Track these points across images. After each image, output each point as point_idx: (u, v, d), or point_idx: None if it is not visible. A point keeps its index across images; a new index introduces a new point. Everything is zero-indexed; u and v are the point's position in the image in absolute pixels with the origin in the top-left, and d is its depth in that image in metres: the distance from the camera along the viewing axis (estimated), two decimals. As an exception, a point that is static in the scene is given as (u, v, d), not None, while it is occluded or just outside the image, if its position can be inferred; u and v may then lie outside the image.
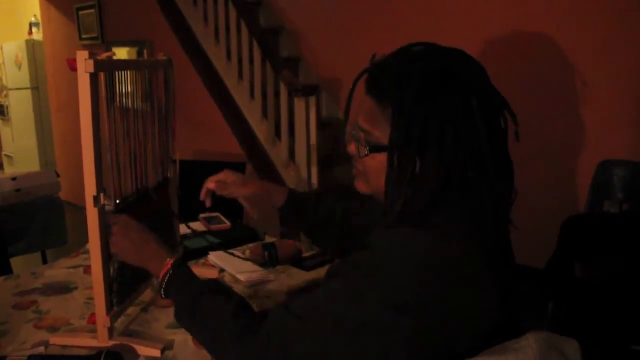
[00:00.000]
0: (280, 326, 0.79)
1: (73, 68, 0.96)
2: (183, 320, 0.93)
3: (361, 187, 0.90)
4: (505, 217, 0.82)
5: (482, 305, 0.75)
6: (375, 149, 0.82)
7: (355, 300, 0.74)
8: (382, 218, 0.82)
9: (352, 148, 0.87)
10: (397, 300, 0.72)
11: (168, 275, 0.96)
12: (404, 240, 0.76)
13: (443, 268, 0.73)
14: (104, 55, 1.01)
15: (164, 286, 0.96)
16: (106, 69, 1.02)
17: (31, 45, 5.46)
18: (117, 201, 1.09)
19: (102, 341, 1.06)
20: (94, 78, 0.97)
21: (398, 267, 0.73)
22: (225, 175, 1.21)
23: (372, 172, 0.84)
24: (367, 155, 0.83)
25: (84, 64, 0.95)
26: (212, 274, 1.45)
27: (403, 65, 0.79)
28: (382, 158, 0.80)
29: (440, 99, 0.75)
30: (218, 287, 0.93)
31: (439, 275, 0.73)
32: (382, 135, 0.80)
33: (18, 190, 2.69)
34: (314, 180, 2.92)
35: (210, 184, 1.21)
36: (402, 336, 0.72)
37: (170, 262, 0.97)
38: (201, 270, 1.46)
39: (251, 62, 3.16)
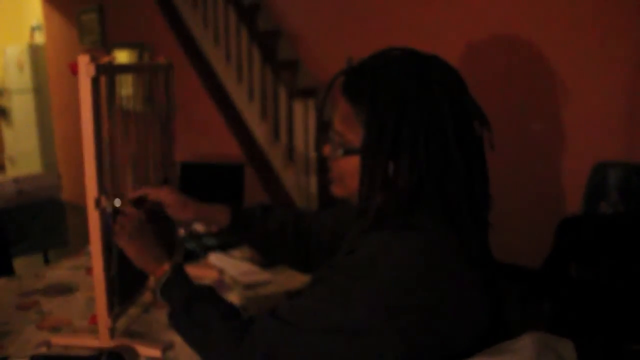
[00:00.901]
0: (266, 332, 0.79)
1: (74, 72, 0.97)
2: (174, 322, 0.94)
3: (337, 191, 0.88)
4: (483, 219, 0.82)
5: (469, 304, 0.76)
6: (349, 151, 0.82)
7: (343, 305, 0.74)
8: (356, 220, 0.82)
9: (326, 150, 0.87)
10: (384, 303, 0.73)
11: (165, 277, 0.96)
12: (388, 243, 0.76)
13: (427, 269, 0.74)
14: (104, 59, 1.02)
15: (160, 287, 0.97)
16: (107, 73, 1.03)
17: (33, 48, 5.49)
18: (120, 203, 1.10)
19: (103, 341, 1.07)
20: (95, 82, 0.98)
21: (383, 269, 0.74)
22: (164, 196, 1.14)
23: (347, 174, 0.84)
24: (341, 157, 0.84)
25: (85, 68, 0.96)
26: (211, 274, 1.46)
27: (379, 69, 0.80)
28: (356, 160, 0.81)
29: (413, 104, 0.76)
30: (210, 293, 0.94)
31: (424, 276, 0.74)
32: (355, 137, 0.81)
33: (20, 192, 2.71)
34: (313, 181, 2.94)
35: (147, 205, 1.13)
36: (392, 339, 0.72)
37: (167, 264, 0.98)
38: (201, 271, 1.47)
39: (250, 64, 3.18)
